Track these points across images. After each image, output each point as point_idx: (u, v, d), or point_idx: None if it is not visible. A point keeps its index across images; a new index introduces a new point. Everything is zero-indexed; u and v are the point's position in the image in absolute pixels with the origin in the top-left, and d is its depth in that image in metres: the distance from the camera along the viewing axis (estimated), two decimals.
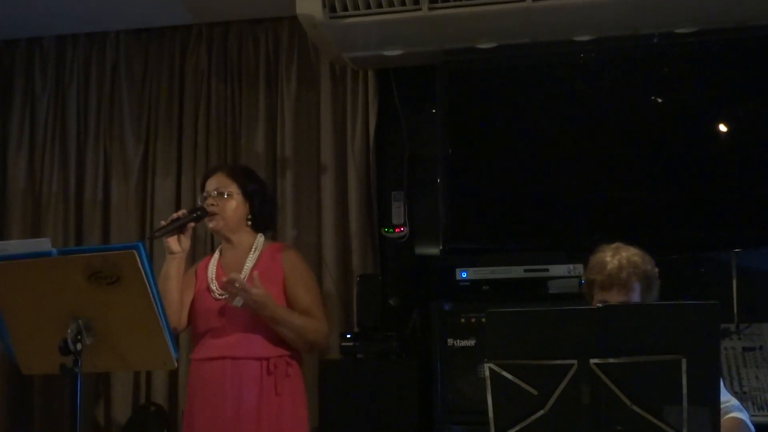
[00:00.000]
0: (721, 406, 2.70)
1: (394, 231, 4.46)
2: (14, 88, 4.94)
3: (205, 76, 4.73)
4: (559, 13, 3.84)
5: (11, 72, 4.97)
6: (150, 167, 4.74)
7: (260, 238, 3.36)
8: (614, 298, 2.75)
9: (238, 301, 3.10)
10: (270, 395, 3.19)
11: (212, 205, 3.28)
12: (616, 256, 2.80)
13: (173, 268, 3.24)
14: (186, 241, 3.22)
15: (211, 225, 3.30)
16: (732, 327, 3.85)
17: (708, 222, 3.88)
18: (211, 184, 3.34)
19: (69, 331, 2.39)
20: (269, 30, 4.68)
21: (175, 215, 3.23)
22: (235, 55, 4.71)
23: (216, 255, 3.39)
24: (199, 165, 4.60)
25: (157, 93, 4.78)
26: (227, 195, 3.29)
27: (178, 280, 3.25)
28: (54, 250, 2.44)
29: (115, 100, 4.83)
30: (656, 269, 2.84)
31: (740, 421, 2.71)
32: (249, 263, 3.29)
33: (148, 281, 2.40)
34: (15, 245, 2.57)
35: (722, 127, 3.98)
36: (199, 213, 3.26)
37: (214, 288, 3.27)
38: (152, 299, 2.43)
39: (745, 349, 3.84)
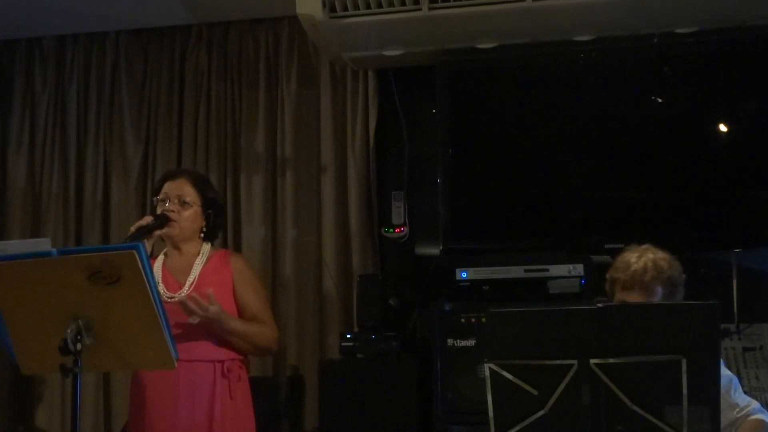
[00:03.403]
0: (744, 410, 2.71)
1: (394, 231, 4.45)
2: (14, 88, 4.93)
3: (205, 76, 4.72)
4: (559, 13, 3.84)
5: (11, 72, 4.96)
6: (150, 167, 4.73)
7: (206, 246, 3.34)
8: (634, 299, 2.73)
9: (194, 319, 3.08)
10: (224, 398, 3.15)
11: (172, 211, 3.25)
12: (642, 258, 2.77)
13: None
14: (148, 247, 3.19)
15: (165, 230, 3.21)
16: (732, 327, 3.86)
17: (708, 222, 3.88)
18: (173, 190, 3.27)
19: (69, 331, 2.38)
20: (269, 30, 4.68)
21: (142, 222, 3.20)
22: (235, 55, 4.70)
23: (160, 258, 3.34)
24: (199, 165, 4.59)
25: (157, 93, 4.77)
26: (188, 204, 3.28)
27: None
28: (54, 250, 2.44)
29: (115, 100, 4.82)
30: (683, 275, 2.81)
31: (764, 422, 2.72)
32: (197, 268, 3.25)
33: (148, 281, 2.40)
34: (15, 245, 2.57)
35: (722, 127, 3.98)
36: (162, 220, 3.24)
37: (162, 290, 3.23)
38: (152, 299, 2.42)
39: (745, 349, 3.84)
